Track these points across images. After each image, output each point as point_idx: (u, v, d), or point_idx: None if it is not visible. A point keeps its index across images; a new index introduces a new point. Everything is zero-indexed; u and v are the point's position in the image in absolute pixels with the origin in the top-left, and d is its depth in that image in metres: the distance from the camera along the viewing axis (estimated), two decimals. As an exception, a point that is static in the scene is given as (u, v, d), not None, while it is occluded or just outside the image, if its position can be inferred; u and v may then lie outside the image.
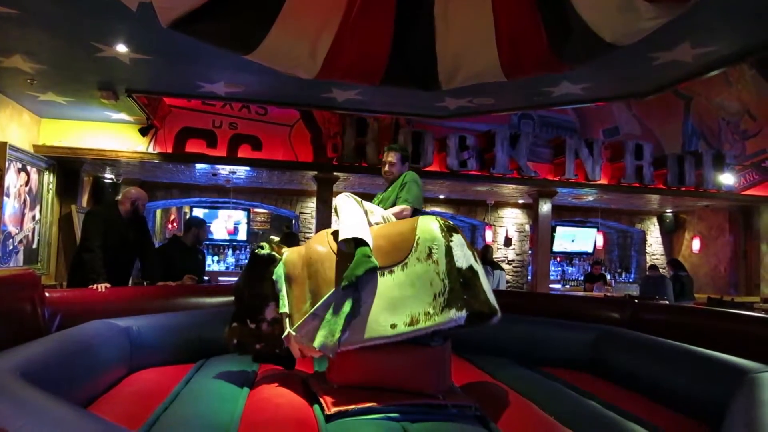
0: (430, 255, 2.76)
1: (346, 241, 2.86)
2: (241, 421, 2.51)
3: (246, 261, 11.77)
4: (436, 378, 2.86)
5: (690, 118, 10.50)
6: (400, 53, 4.00)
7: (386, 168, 3.86)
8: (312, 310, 2.79)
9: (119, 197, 4.87)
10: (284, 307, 2.95)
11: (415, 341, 2.77)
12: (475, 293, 2.71)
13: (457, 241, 2.84)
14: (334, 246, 2.95)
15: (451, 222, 2.99)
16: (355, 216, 2.98)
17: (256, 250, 3.16)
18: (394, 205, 3.58)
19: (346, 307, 2.73)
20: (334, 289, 2.78)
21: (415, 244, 2.81)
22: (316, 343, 2.75)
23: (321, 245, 3.02)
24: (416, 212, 3.52)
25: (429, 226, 2.87)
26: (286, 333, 2.89)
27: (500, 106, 6.27)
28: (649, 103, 9.40)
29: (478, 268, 2.86)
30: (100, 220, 4.53)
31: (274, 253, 3.13)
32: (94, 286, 4.00)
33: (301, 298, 2.92)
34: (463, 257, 2.80)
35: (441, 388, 2.84)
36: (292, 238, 6.21)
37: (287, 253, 3.11)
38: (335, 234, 3.00)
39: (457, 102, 6.05)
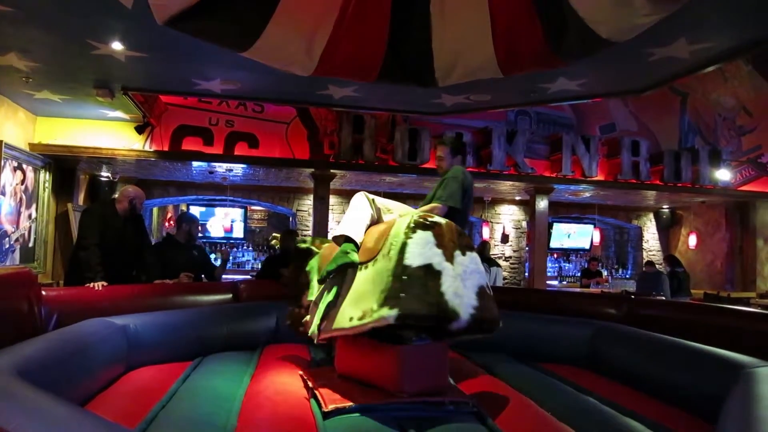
0: (389, 252, 2.72)
1: (336, 237, 3.13)
2: (239, 418, 2.51)
3: (243, 258, 11.82)
4: (415, 377, 2.78)
5: (686, 115, 10.52)
6: (397, 50, 4.00)
7: (437, 163, 3.96)
8: (313, 300, 3.24)
9: (116, 195, 4.85)
10: (312, 296, 3.32)
11: (395, 339, 2.76)
12: (420, 293, 2.53)
13: (419, 238, 2.72)
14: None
15: (437, 219, 2.86)
16: (355, 214, 3.10)
17: (299, 244, 3.68)
18: (430, 202, 3.55)
19: (326, 298, 3.02)
20: (324, 283, 3.12)
21: (385, 241, 2.80)
22: (310, 330, 3.12)
23: (331, 244, 3.38)
24: (453, 211, 3.41)
25: (400, 223, 2.83)
26: (304, 319, 3.33)
27: (497, 102, 6.27)
28: (646, 100, 9.41)
29: (443, 267, 2.65)
30: (96, 218, 4.52)
31: (311, 246, 3.62)
32: (91, 285, 3.99)
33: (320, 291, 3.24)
34: (420, 255, 2.65)
35: (420, 387, 2.77)
36: (291, 235, 6.22)
37: (324, 247, 3.49)
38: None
39: (453, 99, 6.05)
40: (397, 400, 2.65)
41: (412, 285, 2.55)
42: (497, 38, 3.83)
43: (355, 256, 2.91)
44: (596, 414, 2.75)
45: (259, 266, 9.41)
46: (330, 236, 3.57)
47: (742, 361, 2.70)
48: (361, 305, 2.68)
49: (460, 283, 2.65)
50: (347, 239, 3.02)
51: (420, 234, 2.71)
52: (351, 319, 2.69)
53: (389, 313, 2.48)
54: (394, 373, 2.75)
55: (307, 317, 3.29)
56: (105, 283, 4.05)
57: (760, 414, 1.90)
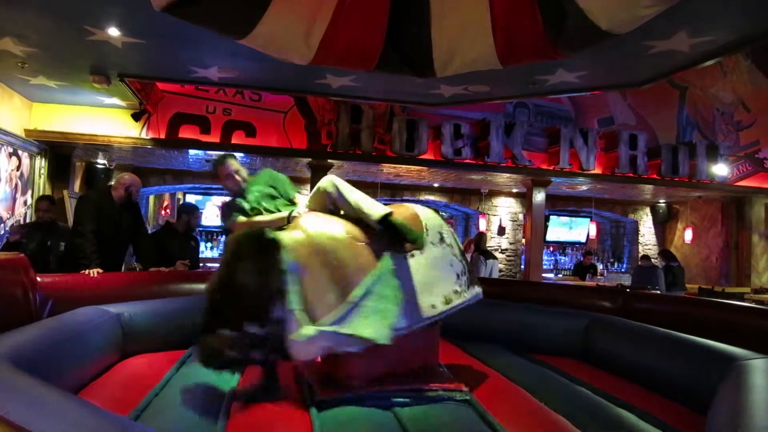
0: (442, 239, 2.98)
1: (381, 217, 2.76)
2: (232, 407, 2.51)
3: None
4: (407, 357, 2.95)
5: (685, 109, 10.52)
6: (395, 39, 3.97)
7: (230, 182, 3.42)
8: (350, 299, 2.58)
9: (113, 183, 4.83)
10: (296, 302, 2.54)
11: None
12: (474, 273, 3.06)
13: (448, 229, 3.15)
14: (351, 232, 2.78)
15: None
16: (360, 194, 2.93)
17: (265, 234, 2.71)
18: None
19: (392, 291, 2.66)
20: (369, 276, 2.64)
21: (425, 230, 2.93)
22: (369, 333, 2.52)
23: (333, 232, 2.77)
24: None
25: (431, 214, 3.09)
26: (303, 331, 2.49)
27: (496, 94, 6.25)
28: (644, 93, 9.40)
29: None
30: (92, 205, 4.49)
31: (275, 236, 2.71)
32: (86, 272, 3.98)
33: (320, 290, 2.60)
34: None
35: (411, 366, 2.96)
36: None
37: (283, 239, 2.69)
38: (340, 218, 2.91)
39: (452, 89, 6.03)
40: (390, 388, 2.65)
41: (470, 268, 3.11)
42: (497, 29, 3.81)
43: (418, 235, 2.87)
44: (588, 404, 2.76)
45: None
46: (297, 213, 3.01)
47: (735, 353, 2.72)
48: (437, 291, 2.84)
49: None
50: (387, 216, 2.76)
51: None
52: (434, 306, 2.79)
53: (479, 289, 3.10)
54: (386, 354, 2.74)
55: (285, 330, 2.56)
56: (100, 270, 4.04)
57: (749, 404, 1.91)
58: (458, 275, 2.96)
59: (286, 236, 2.70)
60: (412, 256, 2.83)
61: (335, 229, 2.78)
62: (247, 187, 3.31)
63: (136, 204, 4.90)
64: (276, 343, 2.53)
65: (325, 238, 2.72)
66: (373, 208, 2.80)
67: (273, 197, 3.27)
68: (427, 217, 3.02)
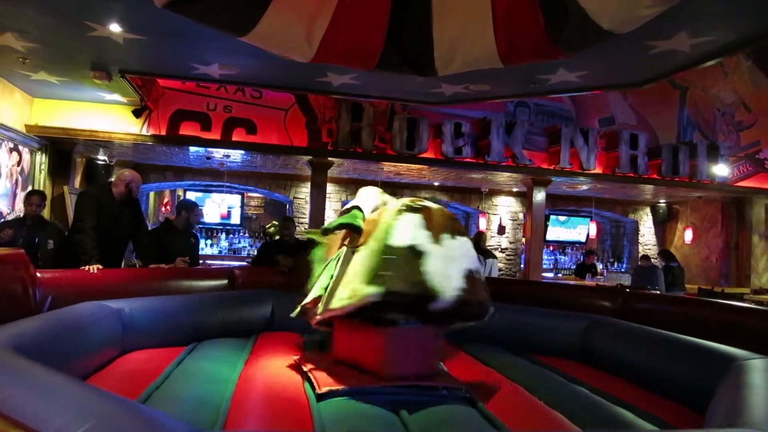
0: (378, 234, 2.85)
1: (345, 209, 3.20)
2: (233, 400, 2.52)
3: (239, 245, 11.80)
4: (401, 361, 2.84)
5: (685, 109, 10.51)
6: (396, 38, 3.97)
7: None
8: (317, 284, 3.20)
9: (113, 179, 4.82)
10: (311, 284, 3.28)
11: (383, 323, 2.81)
12: (404, 272, 2.63)
13: (406, 219, 2.82)
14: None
15: (427, 203, 2.97)
16: (366, 196, 3.32)
17: (305, 234, 3.66)
18: None
19: (323, 282, 3.09)
20: (326, 266, 3.17)
21: (376, 226, 2.91)
22: (317, 314, 3.05)
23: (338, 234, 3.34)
24: None
25: (392, 207, 2.98)
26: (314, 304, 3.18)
27: (496, 93, 6.24)
28: (645, 93, 9.40)
29: (429, 248, 2.75)
30: (93, 202, 4.49)
31: (314, 237, 3.61)
32: (86, 268, 3.98)
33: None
34: (405, 235, 2.75)
35: (405, 371, 2.83)
36: (288, 223, 6.23)
37: (329, 238, 3.43)
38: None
39: (453, 88, 6.03)
40: (390, 383, 2.66)
41: (397, 264, 2.65)
42: (498, 28, 3.81)
43: (360, 222, 2.99)
44: (587, 403, 2.77)
45: (255, 253, 9.39)
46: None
47: (733, 354, 2.72)
48: (350, 285, 2.76)
49: (447, 264, 2.74)
50: (357, 207, 3.15)
51: (408, 216, 2.83)
52: (341, 299, 2.76)
53: (375, 290, 2.59)
54: (379, 355, 2.80)
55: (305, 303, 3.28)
56: (100, 267, 4.04)
57: (747, 404, 1.91)
58: (366, 271, 2.75)
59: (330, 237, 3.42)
60: (358, 251, 2.90)
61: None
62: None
63: (137, 200, 4.90)
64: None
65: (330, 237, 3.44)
66: (349, 204, 3.30)
67: None
68: (388, 211, 2.98)
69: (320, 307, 3.01)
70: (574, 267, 12.88)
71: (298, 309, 3.35)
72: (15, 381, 1.59)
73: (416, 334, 2.90)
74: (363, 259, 2.80)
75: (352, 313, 2.76)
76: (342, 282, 2.86)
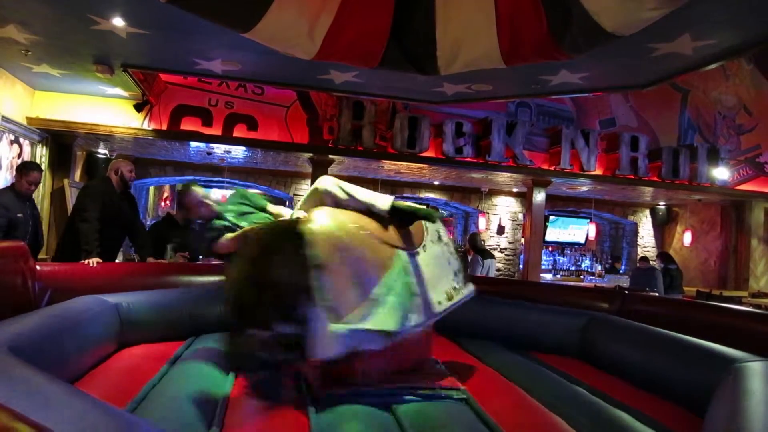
0: (440, 238, 3.06)
1: (390, 206, 2.89)
2: (230, 399, 2.52)
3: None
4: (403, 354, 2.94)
5: (686, 111, 10.52)
6: (399, 37, 3.97)
7: None
8: (372, 296, 2.57)
9: (109, 172, 4.83)
10: (325, 300, 2.47)
11: None
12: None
13: (443, 228, 3.20)
14: (366, 227, 2.78)
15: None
16: (367, 192, 3.01)
17: (299, 227, 2.59)
18: None
19: (406, 288, 2.68)
20: (383, 271, 2.65)
21: (425, 228, 3.03)
22: (391, 326, 2.53)
23: (350, 228, 2.73)
24: None
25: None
26: (331, 329, 2.43)
27: (498, 93, 6.24)
28: (647, 95, 9.41)
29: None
30: (99, 193, 4.53)
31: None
32: (86, 261, 3.99)
33: (343, 287, 2.54)
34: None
35: (408, 363, 2.98)
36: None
37: (311, 234, 2.58)
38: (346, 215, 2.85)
39: (455, 88, 6.03)
40: (388, 386, 2.66)
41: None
42: (501, 28, 3.81)
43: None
44: (585, 404, 2.77)
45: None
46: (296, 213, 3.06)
47: (733, 355, 2.72)
48: (440, 288, 2.92)
49: None
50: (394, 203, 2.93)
51: (439, 224, 3.20)
52: (440, 303, 2.88)
53: (473, 287, 3.12)
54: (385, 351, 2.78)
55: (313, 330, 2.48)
56: (99, 261, 4.05)
57: (746, 407, 1.92)
58: (455, 273, 3.06)
59: (314, 229, 2.60)
60: (418, 253, 2.90)
61: (351, 224, 2.75)
62: (221, 210, 3.37)
63: (133, 195, 4.93)
64: (305, 342, 2.43)
65: (344, 233, 2.66)
66: (380, 200, 2.93)
67: (248, 213, 3.36)
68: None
69: (406, 316, 2.64)
70: (572, 268, 12.92)
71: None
72: (6, 386, 1.58)
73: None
74: (437, 261, 2.98)
75: None
76: (429, 287, 2.87)
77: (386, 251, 2.71)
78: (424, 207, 3.07)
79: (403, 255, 2.77)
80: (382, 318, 2.52)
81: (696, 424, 2.50)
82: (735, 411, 1.91)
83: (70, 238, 4.49)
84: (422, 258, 2.89)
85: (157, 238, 5.03)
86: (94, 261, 4.01)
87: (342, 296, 2.50)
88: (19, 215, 4.73)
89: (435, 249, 2.98)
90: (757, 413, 1.84)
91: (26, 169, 4.82)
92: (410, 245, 2.90)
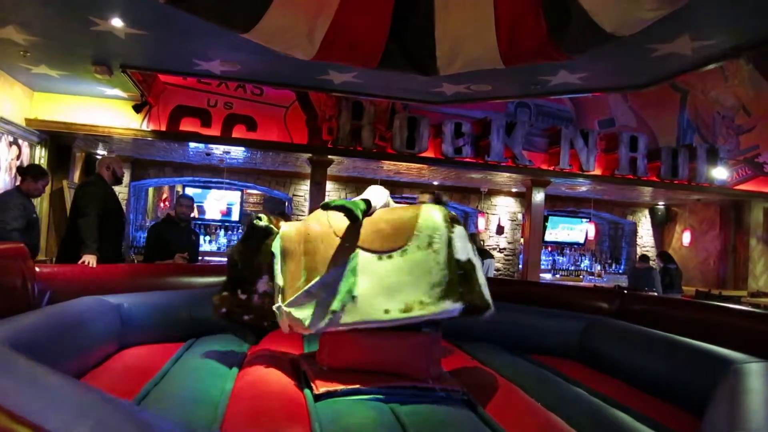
0: (430, 244, 2.76)
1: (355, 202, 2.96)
2: (231, 398, 2.52)
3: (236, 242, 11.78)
4: (425, 364, 2.85)
5: (685, 112, 10.53)
6: (399, 37, 3.97)
7: None
8: (306, 287, 2.80)
9: (100, 169, 4.85)
10: (279, 280, 2.98)
11: (407, 327, 2.78)
12: (471, 286, 2.71)
13: (459, 232, 2.83)
14: (334, 224, 2.93)
15: (454, 213, 2.99)
16: (376, 192, 3.15)
17: (254, 221, 3.15)
18: None
19: (343, 287, 2.75)
20: (332, 269, 2.80)
21: (416, 232, 2.80)
22: (308, 322, 2.76)
23: (319, 223, 2.99)
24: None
25: (432, 214, 2.86)
26: (277, 306, 2.91)
27: (497, 93, 6.25)
28: (646, 95, 9.42)
29: (477, 261, 2.85)
30: (100, 191, 4.56)
31: (271, 225, 3.14)
32: (83, 260, 3.99)
33: (295, 274, 2.92)
34: (464, 249, 2.79)
35: (430, 373, 2.84)
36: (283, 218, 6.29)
37: (285, 227, 3.11)
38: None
39: (454, 88, 6.03)
40: (389, 385, 2.66)
41: (466, 279, 2.72)
42: (500, 28, 3.81)
43: (359, 212, 2.86)
44: (585, 405, 2.77)
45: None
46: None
47: (731, 357, 2.73)
48: (400, 297, 2.70)
49: (483, 275, 2.87)
50: (366, 201, 2.99)
51: (458, 228, 2.86)
52: (387, 311, 2.69)
53: (454, 306, 2.65)
54: (418, 360, 2.85)
55: (257, 303, 3.11)
56: (95, 258, 4.06)
57: (745, 408, 1.92)
58: (432, 285, 2.71)
59: (289, 226, 3.13)
60: (390, 257, 2.79)
61: (322, 220, 3.01)
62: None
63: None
64: (262, 312, 3.09)
65: (311, 228, 3.00)
66: (358, 197, 3.04)
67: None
68: (426, 218, 2.86)
69: (324, 314, 2.78)
70: (572, 267, 12.93)
71: (229, 306, 3.14)
72: (10, 380, 1.58)
73: (435, 337, 3.00)
74: (412, 269, 2.75)
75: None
76: (378, 291, 2.75)
77: (345, 250, 2.84)
78: (356, 203, 2.92)
79: (362, 256, 2.81)
80: (301, 308, 2.82)
81: (695, 426, 2.50)
82: (734, 412, 1.91)
83: (71, 240, 4.49)
84: (393, 262, 2.78)
85: (157, 238, 5.03)
86: (92, 260, 4.01)
87: (292, 281, 2.92)
88: (34, 215, 4.86)
89: (417, 255, 2.77)
90: (755, 414, 1.84)
91: (42, 175, 4.98)
92: (380, 248, 2.81)
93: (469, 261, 2.77)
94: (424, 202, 3.47)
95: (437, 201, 3.72)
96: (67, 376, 1.76)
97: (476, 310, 2.69)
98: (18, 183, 5.08)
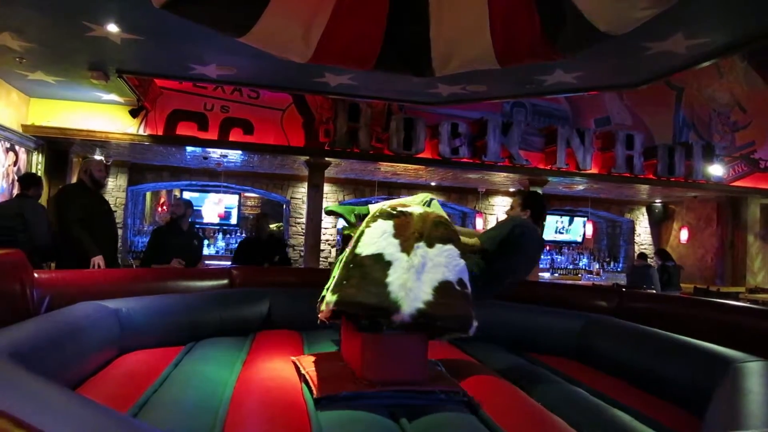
0: (353, 240, 2.81)
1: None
2: (231, 403, 2.52)
3: (236, 245, 11.76)
4: (380, 366, 2.74)
5: (681, 109, 10.56)
6: (394, 38, 3.98)
7: (507, 211, 3.81)
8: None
9: (79, 173, 4.82)
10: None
11: (366, 327, 2.74)
12: (361, 282, 2.57)
13: (377, 226, 2.75)
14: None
15: (410, 209, 2.85)
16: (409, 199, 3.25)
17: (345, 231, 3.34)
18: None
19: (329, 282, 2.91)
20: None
21: (362, 228, 2.86)
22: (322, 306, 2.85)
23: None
24: (492, 256, 3.23)
25: (371, 210, 2.96)
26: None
27: (493, 93, 6.26)
28: (641, 94, 9.43)
29: (396, 258, 2.64)
30: (73, 195, 4.52)
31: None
32: (93, 264, 3.98)
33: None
34: (372, 244, 2.69)
35: (385, 377, 2.71)
36: (262, 221, 6.39)
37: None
38: None
39: (450, 89, 6.04)
40: (389, 389, 2.66)
41: (357, 273, 2.61)
42: (495, 29, 3.82)
43: (351, 216, 2.99)
44: (585, 405, 2.78)
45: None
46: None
47: (731, 356, 2.73)
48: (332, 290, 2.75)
49: (413, 275, 2.58)
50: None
51: (379, 223, 2.76)
52: (327, 303, 2.72)
53: (331, 299, 2.58)
54: (360, 359, 2.75)
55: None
56: (101, 257, 4.05)
57: (746, 408, 1.93)
58: (335, 279, 2.77)
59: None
60: (347, 252, 2.85)
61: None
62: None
63: (105, 200, 4.96)
64: None
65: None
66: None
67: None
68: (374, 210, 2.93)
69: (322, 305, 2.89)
70: (570, 266, 12.95)
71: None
72: (8, 393, 1.58)
73: (398, 341, 2.76)
74: (340, 265, 2.81)
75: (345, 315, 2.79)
76: (333, 284, 2.83)
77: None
78: (352, 208, 3.07)
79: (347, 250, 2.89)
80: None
81: (695, 425, 2.51)
82: (734, 411, 1.92)
83: (70, 247, 4.48)
84: (344, 257, 2.88)
85: (158, 244, 5.02)
86: (99, 261, 4.00)
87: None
88: None
89: (345, 252, 2.87)
90: (756, 413, 1.85)
91: (39, 182, 5.05)
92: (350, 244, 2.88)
93: (372, 256, 2.64)
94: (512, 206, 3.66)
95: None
96: (65, 388, 1.76)
97: (361, 307, 2.56)
98: (21, 191, 5.07)
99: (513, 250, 3.21)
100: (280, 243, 6.66)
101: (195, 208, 10.94)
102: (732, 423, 1.83)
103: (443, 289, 2.58)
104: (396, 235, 2.70)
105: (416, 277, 2.58)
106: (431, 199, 3.28)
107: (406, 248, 2.67)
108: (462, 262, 2.74)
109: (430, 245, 2.68)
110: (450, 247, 2.71)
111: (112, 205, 4.84)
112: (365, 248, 2.68)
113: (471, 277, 2.84)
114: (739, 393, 2.13)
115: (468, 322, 2.60)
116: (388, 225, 2.75)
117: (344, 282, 2.61)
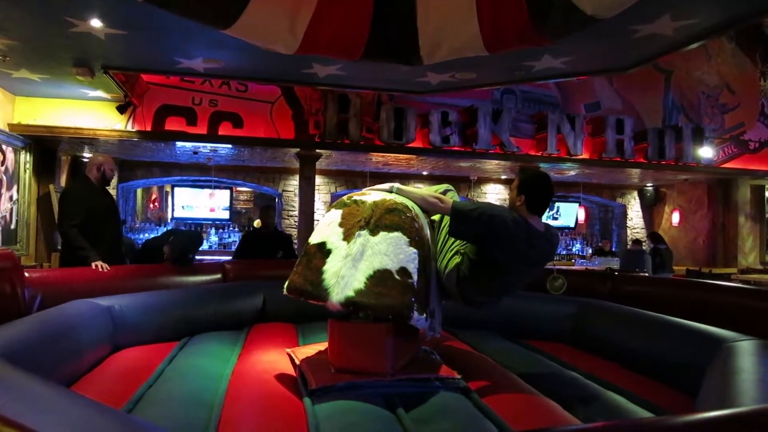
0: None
1: None
2: (226, 397, 2.52)
3: (229, 239, 11.74)
4: (346, 354, 2.76)
5: (670, 92, 10.57)
6: (381, 28, 3.96)
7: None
8: None
9: (89, 168, 4.73)
10: None
11: (335, 316, 2.78)
12: (303, 270, 2.69)
13: (328, 216, 2.86)
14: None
15: (367, 198, 2.85)
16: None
17: None
18: None
19: None
20: None
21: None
22: None
23: None
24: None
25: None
26: None
27: (482, 80, 6.24)
28: (630, 78, 9.42)
29: (335, 246, 2.67)
30: (80, 196, 4.44)
31: None
32: (94, 266, 3.94)
33: None
34: (320, 233, 2.80)
35: (349, 364, 2.72)
36: (270, 211, 6.40)
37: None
38: None
39: (439, 77, 6.02)
40: (384, 377, 2.67)
41: (303, 261, 2.73)
42: (482, 16, 3.81)
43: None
44: (579, 387, 2.80)
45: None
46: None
47: (722, 336, 2.76)
48: None
49: (348, 264, 2.59)
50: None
51: (331, 212, 2.86)
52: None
53: (285, 286, 2.76)
54: (330, 347, 2.86)
55: None
56: (104, 264, 4.00)
57: (737, 386, 1.95)
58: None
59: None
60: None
61: None
62: None
63: (110, 195, 4.90)
64: None
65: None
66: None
67: None
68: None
69: None
70: (563, 252, 13.00)
71: None
72: (2, 393, 1.57)
73: (361, 329, 2.73)
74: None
75: None
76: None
77: None
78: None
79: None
80: None
81: (688, 404, 2.54)
82: (726, 390, 1.94)
83: (66, 248, 4.44)
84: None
85: (156, 247, 4.97)
86: (101, 265, 3.96)
87: None
88: None
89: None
90: (747, 391, 1.87)
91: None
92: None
93: (317, 244, 2.73)
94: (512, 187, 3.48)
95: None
96: (59, 386, 1.75)
97: (300, 294, 2.67)
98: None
99: (488, 240, 2.71)
100: (286, 238, 6.64)
101: (186, 206, 10.96)
102: (724, 401, 1.84)
103: (378, 277, 2.54)
104: (341, 224, 2.76)
105: (351, 265, 2.59)
106: (446, 190, 3.23)
107: (348, 236, 2.70)
108: (410, 250, 2.62)
109: (374, 233, 2.66)
110: (396, 234, 2.64)
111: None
112: (314, 237, 2.80)
113: (460, 278, 2.84)
114: (730, 371, 2.14)
115: (402, 313, 2.51)
116: (337, 214, 2.82)
117: (295, 269, 2.74)
